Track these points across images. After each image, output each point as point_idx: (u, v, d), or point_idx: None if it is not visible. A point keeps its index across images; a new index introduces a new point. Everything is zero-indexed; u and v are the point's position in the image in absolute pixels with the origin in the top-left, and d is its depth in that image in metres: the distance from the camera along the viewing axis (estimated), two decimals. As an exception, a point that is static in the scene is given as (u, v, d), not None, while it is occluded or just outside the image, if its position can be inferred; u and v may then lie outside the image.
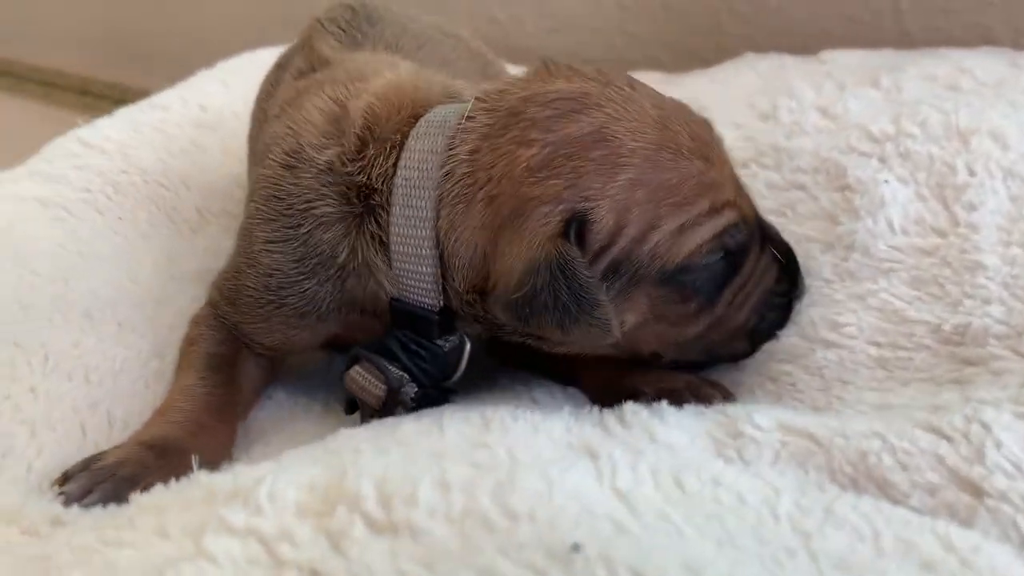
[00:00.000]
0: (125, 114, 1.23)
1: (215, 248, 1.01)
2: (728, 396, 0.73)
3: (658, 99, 0.69)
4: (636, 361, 0.75)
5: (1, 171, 1.11)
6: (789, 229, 0.85)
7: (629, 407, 0.65)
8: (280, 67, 0.96)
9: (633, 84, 0.70)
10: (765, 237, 0.73)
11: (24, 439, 0.69)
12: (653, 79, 1.30)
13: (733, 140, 0.97)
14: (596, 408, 0.67)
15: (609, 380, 0.74)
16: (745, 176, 0.92)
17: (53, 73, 2.28)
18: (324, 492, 0.48)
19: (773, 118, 0.98)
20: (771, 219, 0.87)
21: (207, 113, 1.23)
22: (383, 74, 0.78)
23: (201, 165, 1.12)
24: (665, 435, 0.60)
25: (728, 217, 0.67)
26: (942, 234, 0.79)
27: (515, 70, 1.37)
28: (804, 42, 1.25)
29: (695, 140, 0.67)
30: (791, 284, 0.74)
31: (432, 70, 0.85)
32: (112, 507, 0.61)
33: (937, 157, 0.85)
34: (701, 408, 0.66)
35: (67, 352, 0.78)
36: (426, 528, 0.45)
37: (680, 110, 0.70)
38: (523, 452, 0.55)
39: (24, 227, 0.96)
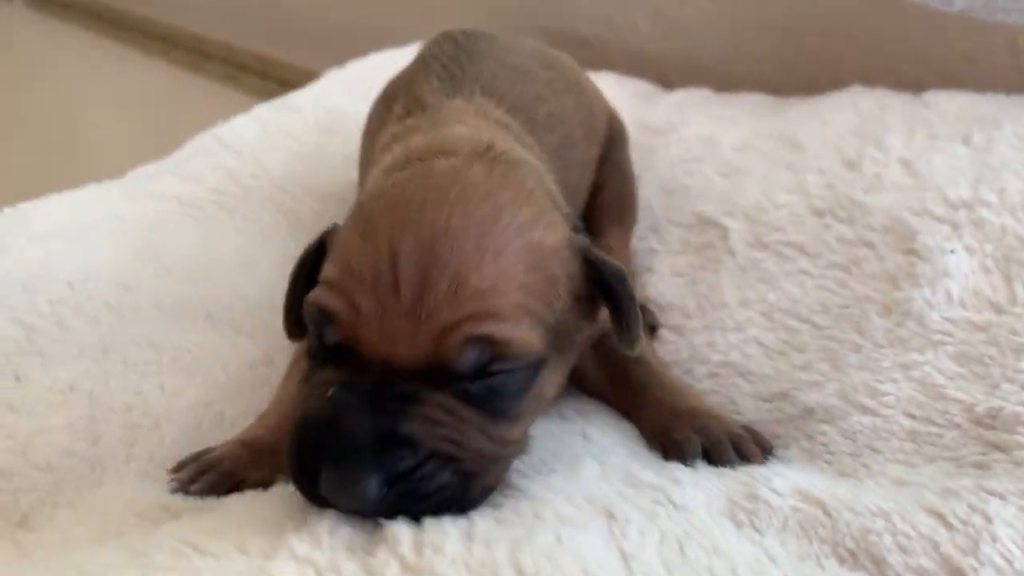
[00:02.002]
0: (261, 112, 1.36)
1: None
2: (768, 451, 0.78)
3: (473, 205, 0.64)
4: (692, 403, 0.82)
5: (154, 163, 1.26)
6: (851, 287, 0.89)
7: (655, 466, 0.72)
8: (387, 102, 1.02)
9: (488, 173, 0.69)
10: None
11: (148, 430, 0.82)
12: (757, 101, 1.34)
13: (813, 187, 1.01)
14: (625, 462, 0.74)
15: (662, 421, 0.81)
16: (818, 227, 0.96)
17: (237, 51, 2.39)
18: (370, 534, 0.58)
19: (857, 168, 1.01)
20: (836, 274, 0.91)
21: (331, 116, 1.34)
22: (446, 127, 0.84)
23: (321, 170, 1.23)
24: (682, 497, 0.66)
25: (325, 302, 0.63)
26: (998, 310, 0.81)
27: (611, 85, 1.42)
28: (918, 77, 1.24)
29: (408, 224, 0.62)
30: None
31: (517, 115, 0.93)
32: (210, 501, 0.72)
33: (1009, 229, 0.86)
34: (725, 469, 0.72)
35: (190, 352, 0.90)
36: (446, 574, 0.54)
37: (490, 220, 0.64)
38: (544, 509, 0.63)
39: (164, 226, 1.09)
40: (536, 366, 0.65)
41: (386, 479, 0.58)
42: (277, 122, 1.32)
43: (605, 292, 0.70)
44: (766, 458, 0.77)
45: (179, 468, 0.77)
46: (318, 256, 0.70)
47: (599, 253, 0.70)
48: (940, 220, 0.89)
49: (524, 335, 0.62)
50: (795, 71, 1.39)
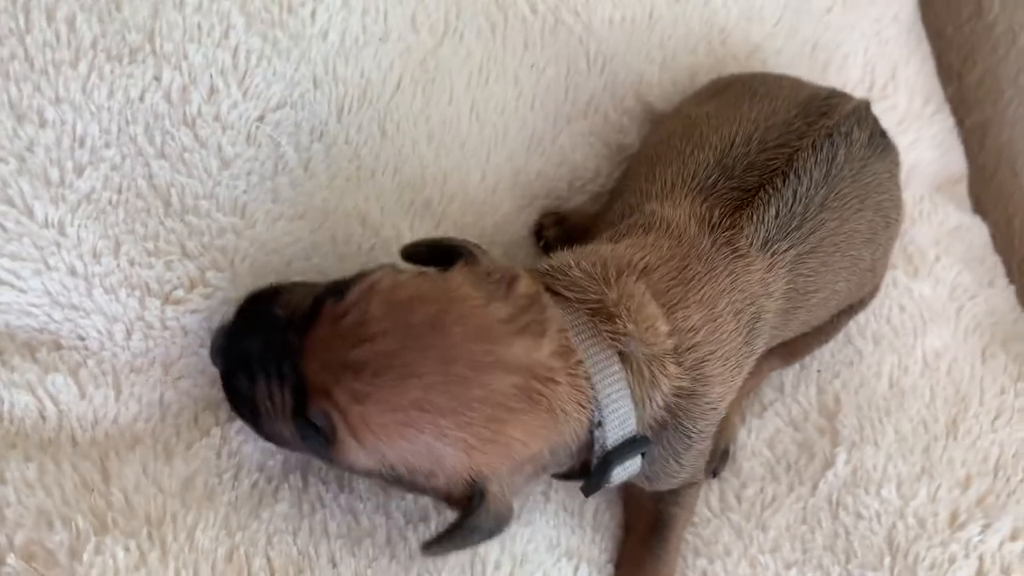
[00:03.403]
0: None
1: (564, 156, 1.07)
2: None
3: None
4: None
5: None
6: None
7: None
8: (723, 166, 0.88)
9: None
10: None
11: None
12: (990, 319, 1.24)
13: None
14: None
15: None
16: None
17: None
18: None
19: None
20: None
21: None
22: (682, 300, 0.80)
23: (634, 52, 1.09)
24: None
25: (350, 288, 0.71)
26: None
27: (929, 153, 1.27)
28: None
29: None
30: None
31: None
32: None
33: None
34: None
35: (387, 246, 0.91)
36: None
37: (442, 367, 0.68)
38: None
39: (457, 33, 0.97)
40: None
41: (226, 375, 0.74)
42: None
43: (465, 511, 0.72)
44: None
45: None
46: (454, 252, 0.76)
47: (486, 503, 0.71)
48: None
49: (358, 460, 0.69)
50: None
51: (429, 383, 0.67)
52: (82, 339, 0.78)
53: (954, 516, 1.06)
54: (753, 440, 1.11)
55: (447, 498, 0.73)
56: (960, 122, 1.38)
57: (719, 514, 1.06)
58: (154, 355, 0.80)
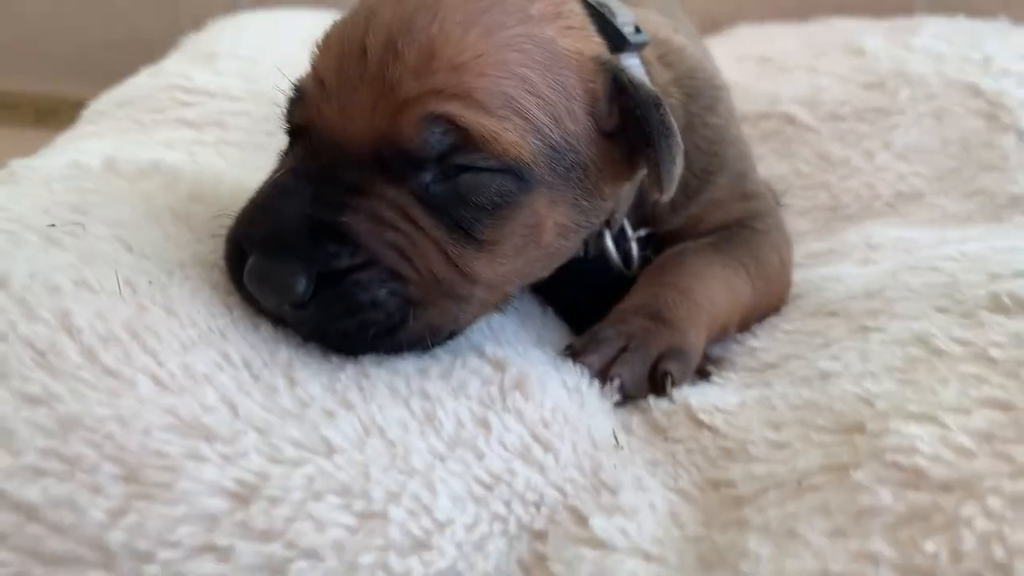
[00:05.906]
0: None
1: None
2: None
3: None
4: None
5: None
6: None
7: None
8: None
9: None
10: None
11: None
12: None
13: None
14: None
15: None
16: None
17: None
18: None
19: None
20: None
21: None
22: None
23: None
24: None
25: (301, 81, 0.57)
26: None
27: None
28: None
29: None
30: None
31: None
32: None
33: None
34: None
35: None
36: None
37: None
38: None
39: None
40: (520, 180, 0.52)
41: (312, 274, 0.48)
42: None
43: (639, 129, 0.56)
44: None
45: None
46: None
47: (634, 76, 0.57)
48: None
49: (501, 130, 0.51)
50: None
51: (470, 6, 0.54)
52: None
53: None
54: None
55: (595, 113, 0.57)
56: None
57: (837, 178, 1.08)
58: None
